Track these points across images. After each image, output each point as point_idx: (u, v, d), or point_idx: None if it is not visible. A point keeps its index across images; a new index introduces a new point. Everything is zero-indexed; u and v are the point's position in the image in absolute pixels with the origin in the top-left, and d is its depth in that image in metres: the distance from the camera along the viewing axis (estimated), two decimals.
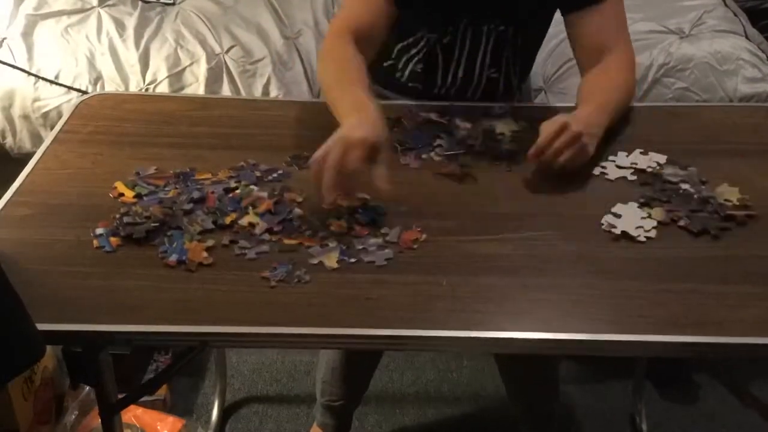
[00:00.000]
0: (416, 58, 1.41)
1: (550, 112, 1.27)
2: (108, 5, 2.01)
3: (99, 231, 1.09)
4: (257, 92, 1.86)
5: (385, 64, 1.42)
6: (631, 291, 0.99)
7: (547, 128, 1.18)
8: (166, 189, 1.17)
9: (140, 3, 2.03)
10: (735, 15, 2.07)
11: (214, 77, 1.86)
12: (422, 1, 1.35)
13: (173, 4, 2.05)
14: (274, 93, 1.86)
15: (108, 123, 1.36)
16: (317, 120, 1.38)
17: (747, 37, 1.97)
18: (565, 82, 1.86)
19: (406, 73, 1.43)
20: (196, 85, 1.85)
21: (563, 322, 0.95)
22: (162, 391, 1.68)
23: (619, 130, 1.31)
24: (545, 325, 0.95)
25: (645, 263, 1.04)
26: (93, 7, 2.00)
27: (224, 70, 1.87)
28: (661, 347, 0.94)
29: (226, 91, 1.85)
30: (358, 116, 1.13)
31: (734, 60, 1.88)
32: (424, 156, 1.26)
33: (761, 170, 1.23)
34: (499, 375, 1.62)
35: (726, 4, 2.11)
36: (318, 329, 0.95)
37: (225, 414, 1.74)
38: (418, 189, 1.19)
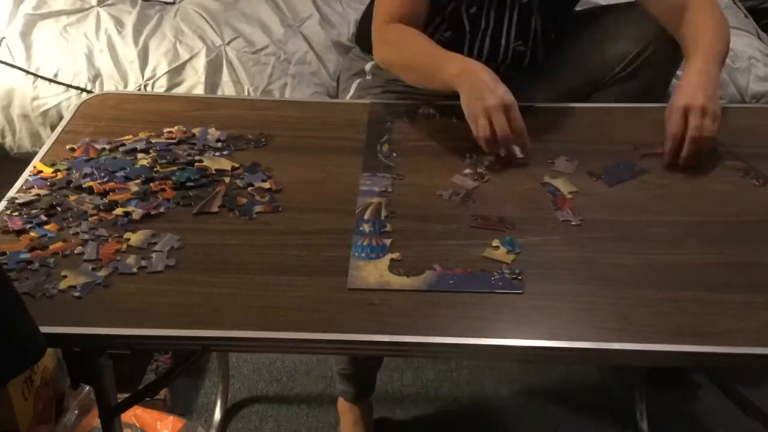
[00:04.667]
0: (443, 27, 1.42)
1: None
2: (107, 4, 2.01)
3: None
4: (262, 82, 1.85)
5: None
6: (635, 299, 0.99)
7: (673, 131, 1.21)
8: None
9: (140, 1, 2.02)
10: (746, 16, 2.08)
11: (214, 69, 1.85)
12: None
13: (173, 2, 2.04)
14: (280, 82, 1.85)
15: (110, 123, 1.36)
16: (318, 120, 1.38)
17: (759, 38, 1.98)
18: None
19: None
20: (195, 78, 1.84)
21: (566, 330, 0.94)
22: (162, 391, 1.67)
23: (625, 131, 1.32)
24: (547, 332, 0.94)
25: (649, 271, 1.03)
26: (92, 7, 1.99)
27: (224, 61, 1.86)
28: (665, 357, 0.93)
29: (226, 81, 1.84)
30: (479, 77, 1.21)
31: (746, 58, 1.89)
32: None
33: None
34: (498, 374, 1.61)
35: (736, 5, 2.11)
36: (320, 335, 0.95)
37: (226, 414, 1.74)
38: (419, 191, 1.19)
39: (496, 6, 1.39)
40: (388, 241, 1.08)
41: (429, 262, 1.04)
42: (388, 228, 1.11)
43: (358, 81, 1.56)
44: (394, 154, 1.27)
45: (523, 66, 1.45)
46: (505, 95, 1.19)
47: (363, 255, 1.06)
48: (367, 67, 1.56)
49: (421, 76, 1.32)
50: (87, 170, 1.22)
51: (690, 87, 1.23)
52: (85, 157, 1.25)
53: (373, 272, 1.03)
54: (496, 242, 1.07)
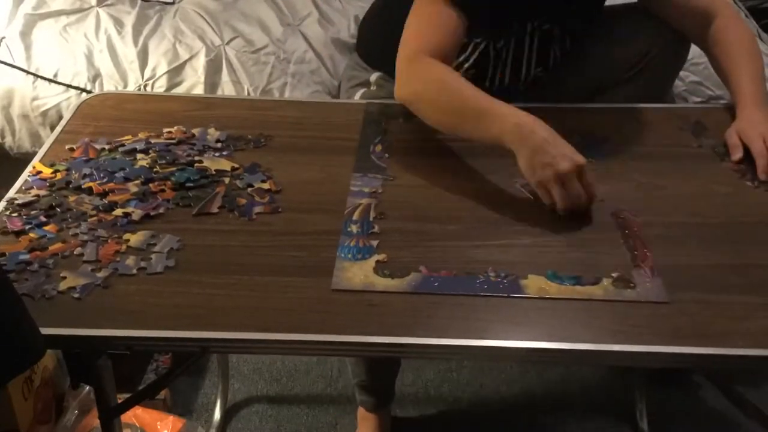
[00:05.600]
0: (467, 65, 1.39)
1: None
2: (107, 4, 2.01)
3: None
4: (262, 82, 1.85)
5: None
6: (635, 300, 0.98)
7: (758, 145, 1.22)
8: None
9: (139, 2, 2.02)
10: (746, 16, 2.07)
11: (213, 69, 1.85)
12: (489, 13, 1.31)
13: (172, 3, 2.05)
14: (280, 81, 1.85)
15: (109, 123, 1.36)
16: (318, 120, 1.38)
17: (759, 38, 1.97)
18: None
19: None
20: (195, 78, 1.84)
21: (566, 331, 0.94)
22: (162, 391, 1.68)
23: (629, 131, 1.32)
24: (547, 334, 0.94)
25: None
26: (92, 7, 1.99)
27: (224, 60, 1.86)
28: (663, 358, 0.93)
29: (226, 81, 1.84)
30: (539, 135, 1.09)
31: None
32: None
33: None
34: (498, 374, 1.61)
35: (737, 5, 2.11)
36: (319, 336, 0.95)
37: (226, 414, 1.74)
38: (410, 192, 1.19)
39: (516, 35, 1.38)
40: (375, 243, 1.08)
41: (415, 264, 1.04)
42: (376, 229, 1.10)
43: (361, 91, 1.52)
44: (387, 155, 1.27)
45: (542, 90, 1.44)
46: (575, 156, 1.08)
47: (349, 256, 1.05)
48: (372, 77, 1.52)
49: (461, 125, 1.19)
50: (86, 171, 1.22)
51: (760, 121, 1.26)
52: (84, 158, 1.25)
53: (359, 273, 1.03)
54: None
